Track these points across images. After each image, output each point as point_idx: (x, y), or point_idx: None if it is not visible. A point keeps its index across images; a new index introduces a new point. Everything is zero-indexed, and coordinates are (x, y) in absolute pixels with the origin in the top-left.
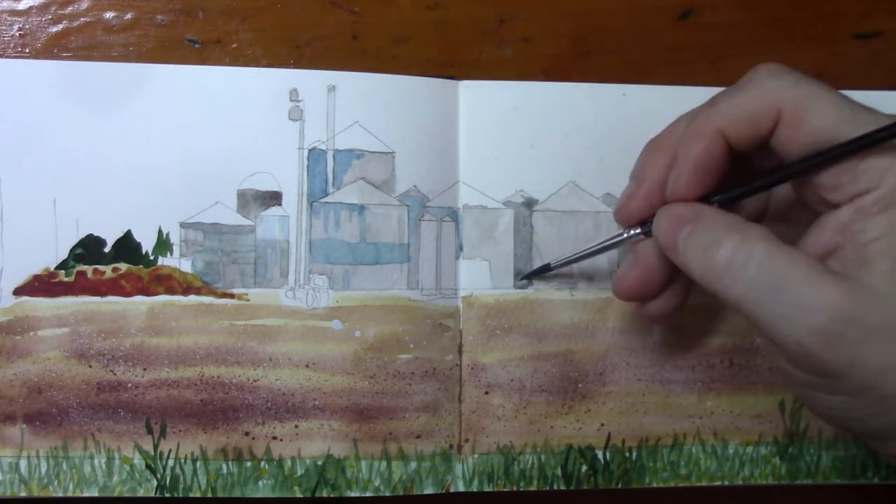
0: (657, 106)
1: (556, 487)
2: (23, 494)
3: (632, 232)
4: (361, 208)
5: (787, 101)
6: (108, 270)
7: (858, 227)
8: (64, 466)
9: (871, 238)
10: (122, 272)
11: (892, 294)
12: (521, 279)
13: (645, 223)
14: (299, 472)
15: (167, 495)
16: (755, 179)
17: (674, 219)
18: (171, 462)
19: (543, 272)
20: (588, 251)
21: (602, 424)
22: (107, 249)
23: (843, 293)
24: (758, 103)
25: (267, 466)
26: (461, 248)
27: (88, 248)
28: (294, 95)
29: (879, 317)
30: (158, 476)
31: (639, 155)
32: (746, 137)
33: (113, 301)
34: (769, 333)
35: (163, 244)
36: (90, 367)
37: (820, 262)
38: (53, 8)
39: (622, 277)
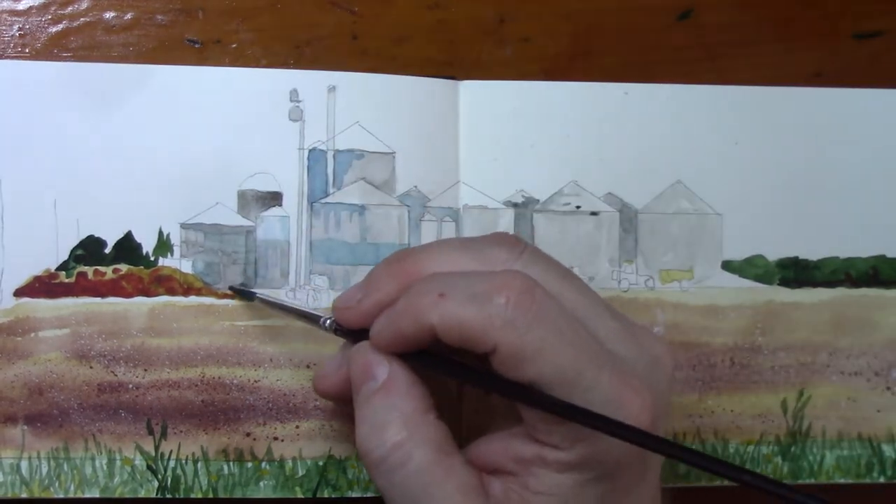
0: (659, 104)
1: None
2: (24, 495)
3: (328, 323)
4: (362, 209)
5: (506, 345)
6: (108, 271)
7: (534, 472)
8: (65, 467)
9: (540, 490)
10: (122, 273)
11: None
12: (230, 288)
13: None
14: (300, 473)
15: (168, 496)
16: (456, 363)
17: (364, 368)
18: (172, 463)
19: (249, 297)
20: (288, 308)
21: None
22: (107, 250)
23: None
24: (474, 331)
25: (268, 467)
26: None
27: (89, 249)
28: (294, 96)
29: None
30: (159, 477)
31: (385, 261)
32: (458, 346)
33: (113, 302)
34: None
35: (163, 245)
36: (91, 368)
37: (476, 485)
38: (53, 8)
39: (325, 377)
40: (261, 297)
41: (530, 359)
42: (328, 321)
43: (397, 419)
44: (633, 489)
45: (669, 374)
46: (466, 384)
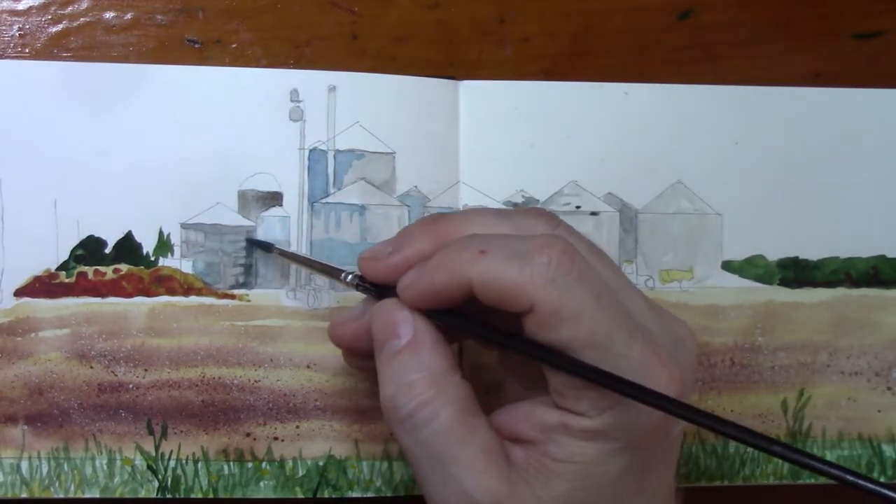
0: (659, 104)
1: None
2: (24, 495)
3: (349, 278)
4: (362, 209)
5: (544, 304)
6: (108, 271)
7: (557, 440)
8: (65, 467)
9: (562, 458)
10: (122, 273)
11: None
12: (247, 240)
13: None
14: (300, 473)
15: (168, 496)
16: (484, 325)
17: (388, 326)
18: (172, 463)
19: (267, 249)
20: (307, 260)
21: None
22: (107, 250)
23: (495, 497)
24: (514, 289)
25: (268, 467)
26: None
27: (89, 249)
28: (294, 96)
29: None
30: (160, 477)
31: (419, 221)
32: (494, 305)
33: (114, 302)
34: (421, 489)
35: (163, 245)
36: (91, 368)
37: (499, 448)
38: (53, 8)
39: (341, 323)
40: (279, 248)
41: (567, 320)
42: (350, 276)
43: (424, 377)
44: (654, 467)
45: (694, 355)
46: (495, 346)
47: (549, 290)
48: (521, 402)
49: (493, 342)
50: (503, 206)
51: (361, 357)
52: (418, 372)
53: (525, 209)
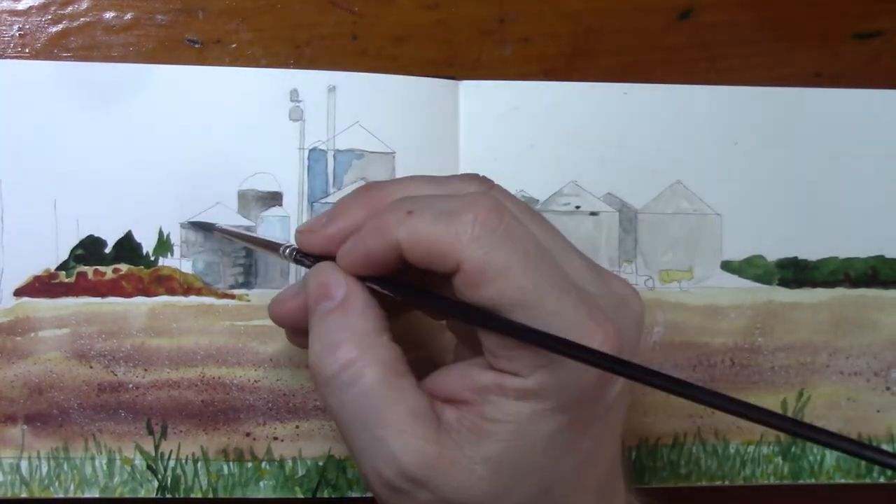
0: (659, 104)
1: None
2: (24, 495)
3: (287, 251)
4: None
5: (470, 262)
6: (108, 271)
7: (491, 400)
8: (65, 467)
9: (496, 418)
10: (122, 273)
11: (479, 477)
12: (189, 223)
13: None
14: (300, 473)
15: (168, 496)
16: (418, 289)
17: (321, 288)
18: (171, 463)
19: (207, 229)
20: (247, 237)
21: None
22: (107, 250)
23: (423, 458)
24: (440, 247)
25: (268, 467)
26: None
27: (89, 249)
28: (294, 96)
29: (450, 491)
30: (159, 477)
31: (354, 191)
32: (423, 265)
33: (113, 302)
34: (349, 452)
35: (163, 245)
36: (91, 367)
37: (427, 410)
38: (53, 8)
39: (282, 301)
40: (219, 227)
41: (494, 278)
42: (288, 249)
43: (350, 338)
44: (587, 430)
45: (638, 317)
46: (427, 309)
47: (475, 248)
48: (457, 363)
49: (426, 306)
50: None
51: (305, 335)
52: (345, 332)
53: (459, 175)
